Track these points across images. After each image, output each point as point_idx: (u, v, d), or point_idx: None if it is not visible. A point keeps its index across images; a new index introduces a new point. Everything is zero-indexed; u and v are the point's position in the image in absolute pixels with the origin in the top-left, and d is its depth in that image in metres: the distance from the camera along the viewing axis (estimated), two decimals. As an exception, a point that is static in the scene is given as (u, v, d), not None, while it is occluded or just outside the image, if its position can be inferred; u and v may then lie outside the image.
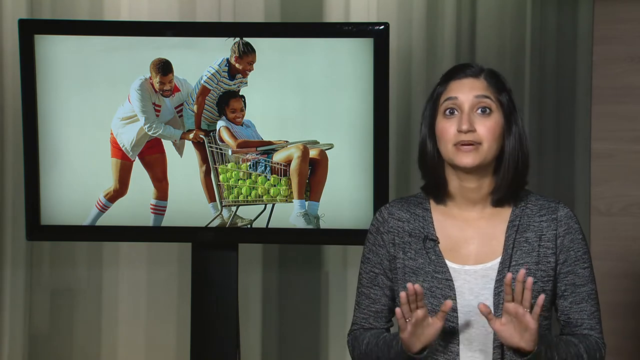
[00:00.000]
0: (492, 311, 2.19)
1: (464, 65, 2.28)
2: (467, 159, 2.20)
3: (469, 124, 2.19)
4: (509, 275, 2.10)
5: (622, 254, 3.41)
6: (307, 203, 2.98)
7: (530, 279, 2.07)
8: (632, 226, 3.41)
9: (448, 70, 2.29)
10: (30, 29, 2.98)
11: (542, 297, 2.09)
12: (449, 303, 2.11)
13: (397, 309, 2.12)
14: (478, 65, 2.27)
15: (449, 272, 2.23)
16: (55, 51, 2.98)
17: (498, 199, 2.26)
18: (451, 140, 2.21)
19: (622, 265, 3.41)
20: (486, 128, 2.20)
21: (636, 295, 3.41)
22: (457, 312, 2.21)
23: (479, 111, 2.21)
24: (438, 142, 2.24)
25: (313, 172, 2.98)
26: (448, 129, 2.21)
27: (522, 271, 2.09)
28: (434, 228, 2.28)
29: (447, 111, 2.22)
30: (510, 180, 2.24)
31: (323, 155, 2.97)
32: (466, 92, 2.22)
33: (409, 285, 2.11)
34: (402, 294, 2.11)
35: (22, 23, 3.00)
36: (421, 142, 2.28)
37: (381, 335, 2.29)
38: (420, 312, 2.12)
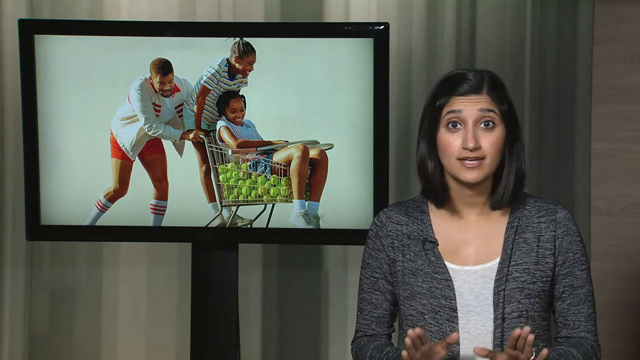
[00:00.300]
0: (492, 311, 2.20)
1: (462, 77, 2.24)
2: (472, 175, 2.21)
3: (475, 141, 2.19)
4: (517, 331, 2.08)
5: (622, 254, 3.41)
6: (307, 203, 2.98)
7: (531, 336, 2.07)
8: (632, 226, 3.41)
9: (448, 79, 2.26)
10: (30, 29, 2.98)
11: (545, 351, 2.10)
12: (455, 336, 2.11)
13: (404, 353, 2.11)
14: (477, 74, 2.25)
15: (448, 272, 2.24)
16: (55, 51, 2.98)
17: (496, 206, 2.27)
18: (455, 155, 2.21)
19: (622, 265, 3.41)
20: (489, 142, 2.20)
21: (636, 295, 3.40)
22: (457, 312, 2.22)
23: (482, 125, 2.21)
24: (440, 154, 2.24)
25: (313, 172, 2.98)
26: (452, 143, 2.21)
27: (527, 328, 2.08)
28: (432, 230, 2.28)
29: (450, 124, 2.22)
30: (511, 190, 2.25)
31: (323, 155, 2.97)
32: (470, 106, 2.21)
33: (410, 331, 2.10)
34: (407, 340, 2.10)
35: (22, 23, 3.00)
36: (421, 157, 2.27)
37: (384, 350, 2.28)
38: (425, 347, 2.11)
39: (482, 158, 2.20)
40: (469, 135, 2.19)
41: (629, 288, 3.40)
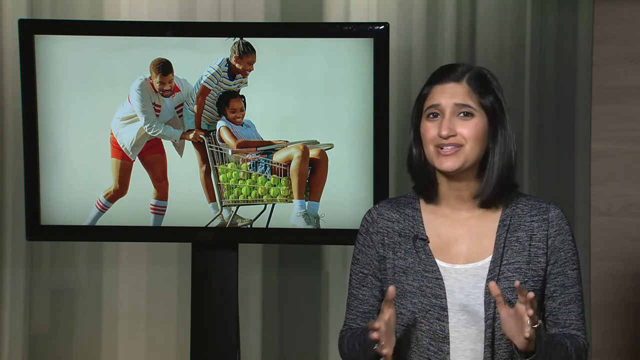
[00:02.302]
0: (483, 310, 2.20)
1: (449, 67, 2.28)
2: (447, 163, 2.21)
3: (449, 129, 2.20)
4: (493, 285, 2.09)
5: (622, 254, 3.42)
6: (307, 203, 2.98)
7: (530, 294, 2.06)
8: (632, 226, 3.41)
9: (435, 72, 2.30)
10: (30, 29, 2.98)
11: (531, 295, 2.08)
12: (391, 289, 2.11)
13: (374, 335, 2.12)
14: (464, 66, 2.27)
15: (439, 271, 2.24)
16: (55, 51, 2.98)
17: (485, 201, 2.27)
18: (432, 142, 2.22)
19: (622, 265, 3.41)
20: (467, 129, 2.21)
21: (636, 295, 3.41)
22: (447, 311, 2.22)
23: (461, 114, 2.22)
24: (422, 142, 2.26)
25: (313, 172, 2.98)
26: (430, 129, 2.23)
27: (531, 294, 2.07)
28: (423, 227, 2.28)
29: (431, 115, 2.24)
30: (495, 182, 2.24)
31: (323, 155, 2.97)
32: (447, 98, 2.22)
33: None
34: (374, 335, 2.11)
35: (22, 23, 3.00)
36: (409, 145, 2.30)
37: (355, 334, 2.30)
38: (381, 324, 2.12)
39: (460, 145, 2.21)
40: (444, 123, 2.20)
41: (629, 288, 3.41)
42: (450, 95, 2.22)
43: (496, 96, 2.25)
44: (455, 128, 2.20)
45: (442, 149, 2.21)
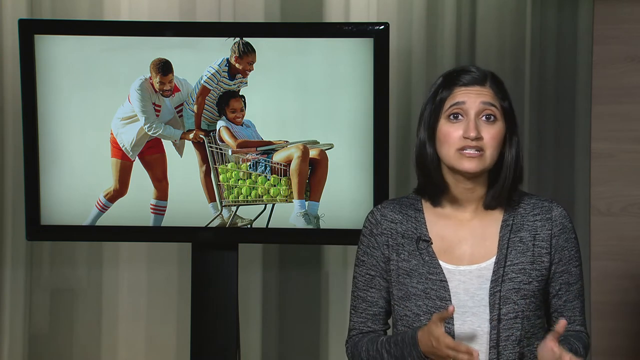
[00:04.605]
0: (488, 312, 2.20)
1: (467, 69, 2.26)
2: (471, 165, 2.20)
3: (477, 130, 2.19)
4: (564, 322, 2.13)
5: (622, 254, 3.41)
6: (307, 203, 2.98)
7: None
8: (632, 226, 3.41)
9: (451, 73, 2.27)
10: (30, 29, 2.98)
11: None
12: (451, 309, 2.11)
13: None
14: (480, 69, 2.26)
15: (443, 273, 2.23)
16: (55, 51, 2.98)
17: (494, 203, 2.27)
18: (455, 145, 2.20)
19: (622, 265, 3.41)
20: (490, 135, 2.20)
21: (636, 295, 3.40)
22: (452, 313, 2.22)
23: (484, 118, 2.21)
24: (439, 145, 2.24)
25: (313, 172, 2.98)
26: (452, 133, 2.21)
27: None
28: (426, 229, 2.28)
29: (452, 116, 2.22)
30: (508, 186, 2.25)
31: (323, 155, 2.97)
32: (473, 98, 2.21)
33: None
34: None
35: (22, 23, 3.00)
36: (420, 145, 2.27)
37: (377, 340, 2.28)
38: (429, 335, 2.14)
39: (482, 150, 2.20)
40: (471, 125, 2.19)
41: (629, 288, 3.41)
42: (476, 95, 2.21)
43: (510, 101, 2.26)
44: (480, 132, 2.20)
45: (465, 150, 2.20)
